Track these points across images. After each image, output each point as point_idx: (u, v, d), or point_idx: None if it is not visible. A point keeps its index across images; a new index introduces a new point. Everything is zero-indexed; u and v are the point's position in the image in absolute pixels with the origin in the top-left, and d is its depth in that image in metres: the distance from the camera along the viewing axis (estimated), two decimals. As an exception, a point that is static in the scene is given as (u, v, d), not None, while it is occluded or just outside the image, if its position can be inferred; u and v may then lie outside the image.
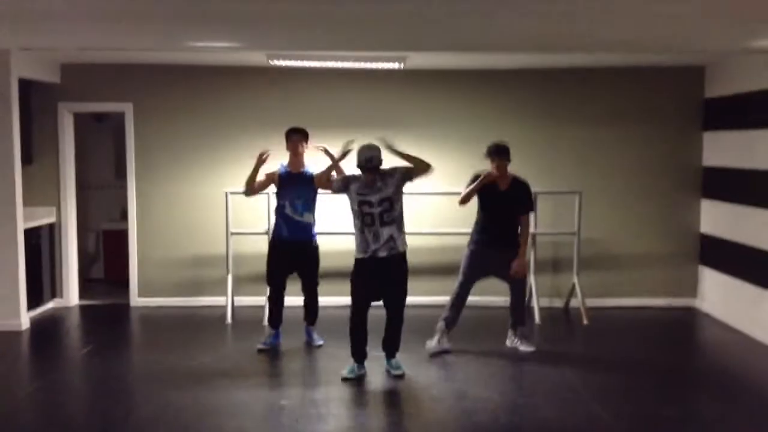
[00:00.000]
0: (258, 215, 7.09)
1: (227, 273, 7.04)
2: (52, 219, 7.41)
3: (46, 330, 6.72)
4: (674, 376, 5.47)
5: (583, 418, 4.62)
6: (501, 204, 5.78)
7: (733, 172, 6.88)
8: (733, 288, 6.83)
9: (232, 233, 6.99)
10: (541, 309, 7.01)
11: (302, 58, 6.59)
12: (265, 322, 6.26)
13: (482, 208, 5.88)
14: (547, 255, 7.46)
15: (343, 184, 5.26)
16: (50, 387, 5.18)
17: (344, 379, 5.13)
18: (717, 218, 7.22)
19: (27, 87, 7.01)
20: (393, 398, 4.93)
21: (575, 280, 7.12)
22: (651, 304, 7.51)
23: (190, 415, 4.64)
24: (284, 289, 5.94)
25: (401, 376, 5.19)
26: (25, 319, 6.63)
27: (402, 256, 5.19)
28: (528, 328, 6.13)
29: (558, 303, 7.46)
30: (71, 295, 7.59)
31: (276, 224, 5.92)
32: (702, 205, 7.50)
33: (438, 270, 7.16)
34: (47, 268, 7.38)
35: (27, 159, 7.05)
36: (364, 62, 6.74)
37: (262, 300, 6.95)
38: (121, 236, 7.82)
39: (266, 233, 6.94)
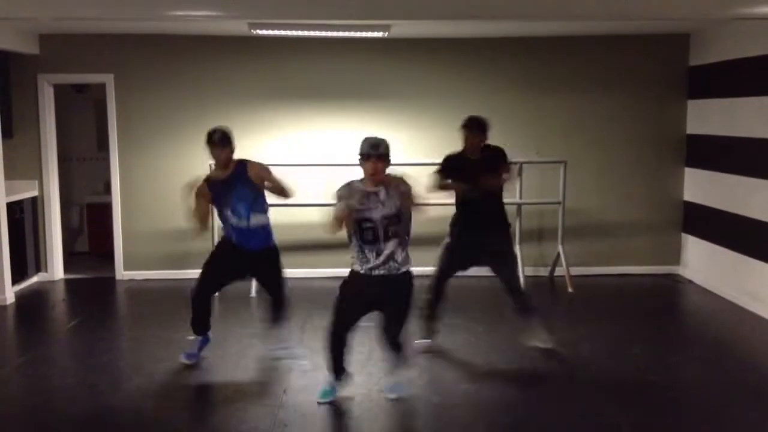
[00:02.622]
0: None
1: (212, 245, 7.01)
2: (34, 192, 7.34)
3: (32, 304, 6.70)
4: (658, 342, 5.55)
5: (567, 385, 4.68)
6: (473, 173, 5.10)
7: (717, 140, 6.91)
8: (716, 255, 6.90)
9: (217, 204, 6.93)
10: (526, 278, 7.05)
11: (284, 28, 6.51)
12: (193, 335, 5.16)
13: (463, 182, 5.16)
14: (533, 224, 7.49)
15: (337, 201, 4.20)
16: (36, 361, 5.18)
17: (321, 404, 4.37)
18: (700, 186, 7.27)
19: (5, 58, 6.91)
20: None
21: (560, 249, 7.16)
22: (635, 272, 7.58)
23: (177, 387, 4.66)
24: (212, 295, 5.11)
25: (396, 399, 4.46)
26: (9, 294, 6.60)
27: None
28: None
29: (543, 272, 7.51)
30: (56, 269, 7.56)
31: (226, 234, 5.02)
32: (686, 173, 7.54)
33: (423, 242, 7.17)
34: (31, 242, 7.33)
35: (7, 132, 6.95)
36: (348, 31, 6.66)
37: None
38: (105, 209, 7.76)
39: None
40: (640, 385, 4.65)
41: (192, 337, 5.09)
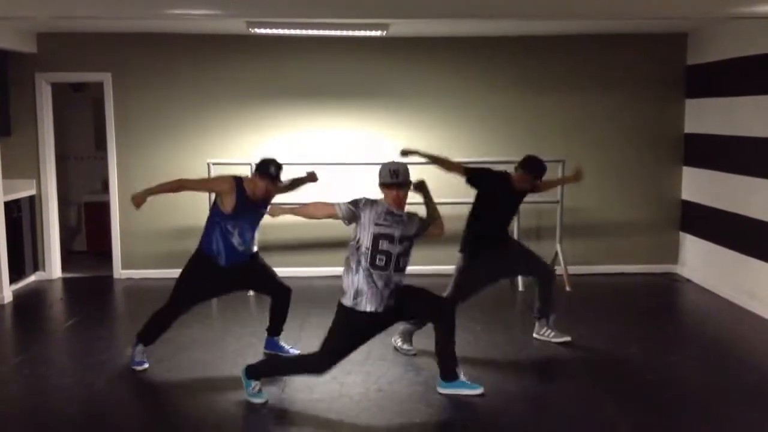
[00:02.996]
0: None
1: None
2: (32, 191, 7.33)
3: (29, 303, 6.70)
4: (656, 341, 5.55)
5: (565, 383, 4.69)
6: (514, 205, 5.39)
7: (715, 139, 6.92)
8: (714, 254, 6.91)
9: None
10: (524, 277, 7.06)
11: (283, 26, 6.50)
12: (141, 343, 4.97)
13: (492, 207, 5.19)
14: (531, 223, 7.49)
15: (353, 206, 4.12)
16: (34, 360, 5.17)
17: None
18: (698, 185, 7.27)
19: (3, 57, 6.90)
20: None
21: (558, 247, 7.16)
22: (633, 271, 7.58)
23: (174, 385, 4.66)
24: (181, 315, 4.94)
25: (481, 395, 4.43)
26: (7, 293, 6.59)
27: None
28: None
29: (541, 270, 7.51)
30: (54, 268, 7.55)
31: (211, 241, 4.74)
32: (683, 172, 7.55)
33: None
34: (29, 241, 7.32)
35: (5, 131, 6.96)
36: (346, 30, 6.66)
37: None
38: (103, 208, 7.76)
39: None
40: (638, 384, 4.65)
41: (137, 348, 4.91)
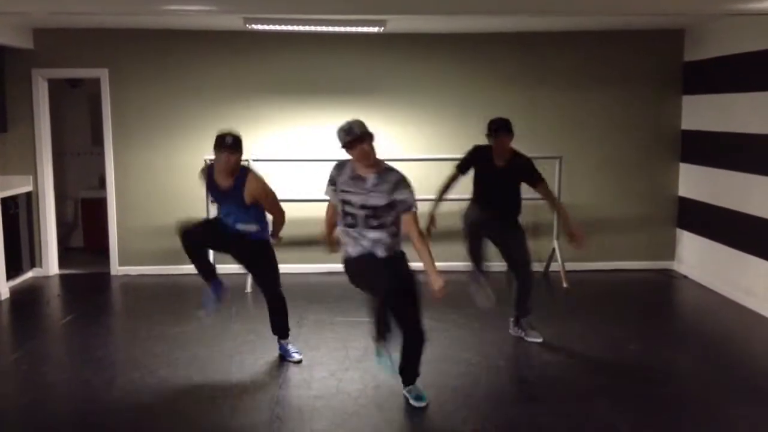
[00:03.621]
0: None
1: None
2: (29, 187, 7.32)
3: (26, 299, 6.69)
4: (652, 337, 5.56)
5: (562, 380, 4.70)
6: (498, 181, 5.20)
7: (712, 136, 6.93)
8: (711, 250, 6.92)
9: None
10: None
11: (280, 23, 6.49)
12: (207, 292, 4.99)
13: (477, 182, 5.32)
14: (528, 220, 7.42)
15: (331, 185, 4.24)
16: (31, 356, 5.17)
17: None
18: (695, 182, 7.28)
19: (-1, 53, 6.87)
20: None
21: (555, 244, 7.17)
22: (630, 267, 7.59)
23: (172, 382, 4.65)
24: (200, 244, 4.87)
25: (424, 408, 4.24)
26: (4, 289, 6.59)
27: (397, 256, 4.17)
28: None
29: (538, 267, 7.50)
30: (51, 264, 7.54)
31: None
32: (680, 169, 7.55)
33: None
34: (26, 237, 7.31)
35: (1, 127, 6.94)
36: (344, 26, 6.65)
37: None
38: (100, 204, 7.74)
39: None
40: (635, 381, 4.66)
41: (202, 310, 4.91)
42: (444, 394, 4.45)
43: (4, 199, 6.73)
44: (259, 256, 4.87)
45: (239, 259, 4.96)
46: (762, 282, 6.08)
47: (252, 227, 4.74)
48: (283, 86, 7.36)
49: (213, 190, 4.77)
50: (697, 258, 7.22)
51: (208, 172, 4.79)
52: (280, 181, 7.36)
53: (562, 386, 4.61)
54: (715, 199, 6.85)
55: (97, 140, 7.90)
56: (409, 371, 4.31)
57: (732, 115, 6.51)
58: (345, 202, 4.11)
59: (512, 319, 5.49)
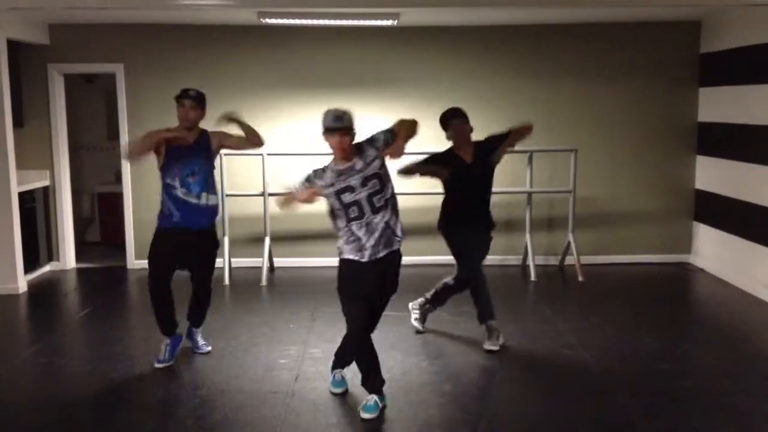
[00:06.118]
0: (253, 176, 7.08)
1: (224, 235, 7.04)
2: (45, 182, 7.38)
3: (44, 293, 6.75)
4: (669, 330, 5.53)
5: (578, 373, 4.68)
6: (471, 179, 4.93)
7: (729, 128, 6.86)
8: (728, 243, 6.87)
9: (227, 195, 6.96)
10: (536, 267, 7.06)
11: (293, 16, 6.49)
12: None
13: (450, 189, 5.01)
14: (543, 213, 7.47)
15: (307, 183, 4.05)
16: (48, 349, 5.21)
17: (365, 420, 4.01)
18: (712, 174, 7.22)
19: (15, 48, 6.91)
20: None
21: (570, 237, 7.14)
22: (646, 260, 7.55)
23: (188, 375, 4.68)
24: (169, 289, 4.77)
25: (383, 410, 4.08)
26: (22, 283, 6.64)
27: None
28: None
29: (553, 261, 7.50)
30: (68, 258, 7.60)
31: (163, 209, 4.63)
32: (697, 161, 7.50)
33: (425, 230, 7.18)
34: (43, 231, 7.37)
35: (18, 122, 6.98)
36: (357, 20, 6.64)
37: (258, 261, 7.00)
38: (116, 199, 7.79)
39: (261, 195, 6.94)
40: (651, 374, 4.64)
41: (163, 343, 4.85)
42: (460, 386, 4.45)
43: (22, 194, 6.78)
44: (213, 255, 4.83)
45: (190, 265, 4.79)
46: (780, 275, 6.03)
47: (215, 200, 4.69)
48: (297, 80, 7.37)
49: (174, 150, 4.56)
50: (714, 251, 7.17)
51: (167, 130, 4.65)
52: (294, 175, 7.38)
53: (578, 379, 4.60)
54: (732, 191, 6.79)
55: (113, 135, 7.95)
56: (377, 380, 4.11)
57: (749, 106, 6.45)
58: (343, 191, 3.91)
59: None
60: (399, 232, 4.02)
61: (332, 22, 6.79)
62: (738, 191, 6.69)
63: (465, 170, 4.91)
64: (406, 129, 4.16)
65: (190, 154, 4.60)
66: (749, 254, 6.47)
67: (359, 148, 4.01)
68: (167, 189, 4.59)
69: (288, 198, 4.10)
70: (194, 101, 4.59)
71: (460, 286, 5.08)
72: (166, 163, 4.59)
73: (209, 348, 5.03)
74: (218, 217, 4.85)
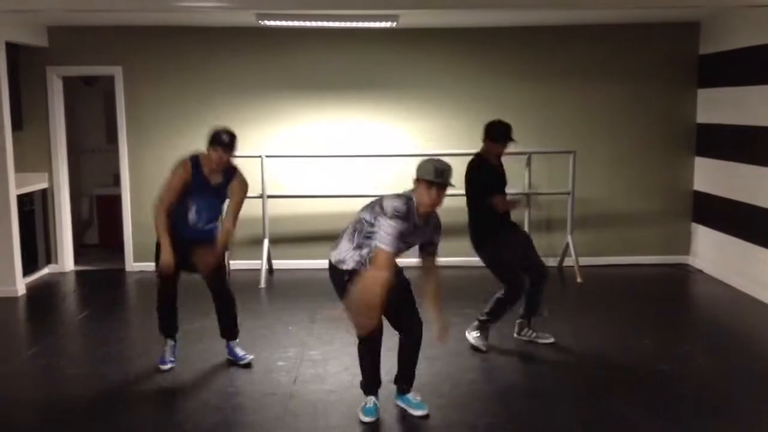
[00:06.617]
0: (253, 178, 7.06)
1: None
2: (44, 185, 7.37)
3: (42, 296, 6.74)
4: (668, 331, 5.53)
5: (576, 374, 4.68)
6: (503, 186, 5.05)
7: (727, 129, 6.87)
8: (726, 244, 6.87)
9: (191, 192, 6.90)
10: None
11: (292, 18, 6.50)
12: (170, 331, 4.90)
13: (489, 195, 4.92)
14: (542, 214, 7.47)
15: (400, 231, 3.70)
16: (47, 351, 5.21)
17: (365, 423, 3.99)
18: (710, 175, 7.23)
19: (14, 51, 6.91)
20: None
21: (569, 239, 7.14)
22: (644, 262, 7.55)
23: (187, 377, 4.68)
24: (175, 290, 4.79)
25: (425, 417, 4.06)
26: (20, 285, 6.64)
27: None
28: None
29: (552, 262, 7.49)
30: (66, 260, 7.59)
31: (173, 226, 4.62)
32: (696, 163, 7.50)
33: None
34: (41, 233, 7.36)
35: (17, 125, 6.98)
36: (356, 22, 6.65)
37: (257, 263, 7.00)
38: (115, 201, 7.79)
39: (260, 197, 6.94)
40: (650, 375, 4.64)
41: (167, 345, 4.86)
42: (458, 388, 4.45)
43: (20, 197, 6.78)
44: (221, 265, 4.79)
45: (202, 262, 4.72)
46: (779, 276, 6.03)
47: (215, 225, 4.75)
48: (295, 82, 7.37)
49: (199, 183, 4.61)
50: (713, 252, 7.17)
51: (194, 164, 4.64)
52: (293, 177, 7.39)
53: (577, 380, 4.59)
54: (731, 192, 6.79)
55: (112, 138, 7.95)
56: (406, 377, 4.17)
57: (748, 108, 6.45)
58: (403, 244, 3.76)
59: (524, 321, 5.25)
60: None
61: (331, 24, 6.79)
62: (737, 192, 6.69)
63: (498, 176, 5.01)
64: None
65: (211, 194, 4.67)
66: (748, 255, 6.47)
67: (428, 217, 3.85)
68: (182, 203, 4.60)
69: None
70: (229, 148, 4.56)
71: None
72: (188, 192, 4.60)
73: (250, 357, 4.84)
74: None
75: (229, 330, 4.90)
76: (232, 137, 4.59)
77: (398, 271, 3.99)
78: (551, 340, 5.20)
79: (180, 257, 4.60)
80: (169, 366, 4.78)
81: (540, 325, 5.27)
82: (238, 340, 4.92)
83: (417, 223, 3.76)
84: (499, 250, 4.95)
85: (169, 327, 4.86)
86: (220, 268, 4.82)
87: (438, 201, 3.72)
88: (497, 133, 4.94)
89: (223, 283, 4.84)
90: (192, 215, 4.63)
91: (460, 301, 5.75)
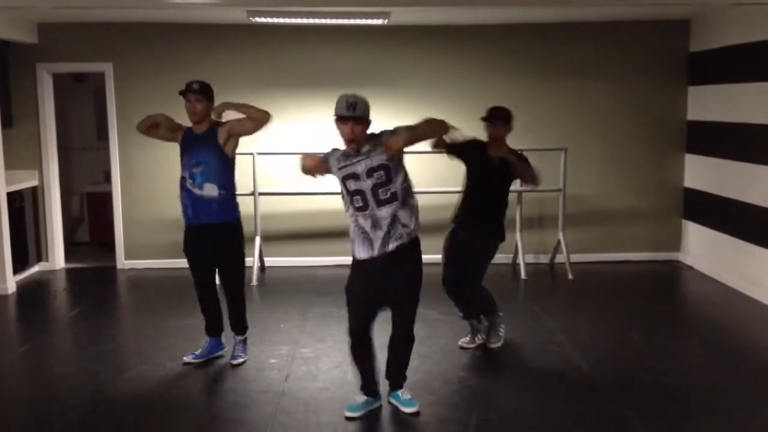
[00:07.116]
0: (243, 174, 7.05)
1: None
2: (34, 182, 7.34)
3: (33, 294, 6.72)
4: (659, 328, 5.55)
5: (567, 371, 4.70)
6: (491, 176, 4.85)
7: (718, 127, 6.90)
8: (717, 241, 6.90)
9: (182, 154, 6.89)
10: (526, 265, 7.07)
11: (283, 15, 6.48)
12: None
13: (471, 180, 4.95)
14: (533, 212, 7.49)
15: (323, 161, 3.94)
16: (38, 350, 5.19)
17: (349, 419, 4.00)
18: (701, 172, 7.26)
19: (4, 48, 6.88)
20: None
21: (560, 236, 7.16)
22: (635, 259, 7.58)
23: (178, 375, 4.67)
24: (212, 286, 4.82)
25: (416, 414, 4.05)
26: (11, 283, 6.61)
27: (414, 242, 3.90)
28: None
29: (543, 259, 7.52)
30: (57, 258, 7.56)
31: (182, 205, 4.65)
32: (686, 160, 7.53)
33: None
34: (32, 231, 7.33)
35: (7, 122, 6.95)
36: (348, 19, 6.64)
37: (249, 261, 6.96)
38: (105, 198, 7.76)
39: (252, 194, 6.93)
40: (641, 371, 4.66)
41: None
42: (449, 385, 4.46)
43: (10, 194, 6.75)
44: (233, 252, 4.72)
45: (217, 262, 4.77)
46: (768, 272, 6.07)
47: (215, 192, 4.54)
48: (287, 79, 7.36)
49: (189, 140, 4.59)
50: (703, 249, 7.20)
51: (186, 128, 4.69)
52: (285, 174, 7.38)
53: (567, 377, 4.61)
54: (721, 189, 6.82)
55: (102, 135, 7.92)
56: (397, 375, 4.18)
57: (738, 105, 6.48)
58: (348, 177, 3.79)
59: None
60: (411, 224, 3.84)
61: (322, 21, 6.78)
62: (727, 189, 6.72)
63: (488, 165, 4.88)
64: (430, 128, 4.09)
65: (197, 146, 4.57)
66: (738, 252, 6.51)
67: (375, 137, 3.84)
68: (182, 182, 4.62)
69: (306, 161, 4.00)
70: (199, 94, 4.53)
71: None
72: (180, 155, 4.62)
73: (242, 359, 4.80)
74: (238, 214, 4.73)
75: (233, 322, 4.87)
76: (204, 84, 4.58)
77: (412, 259, 3.91)
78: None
79: (200, 250, 4.64)
80: (190, 360, 4.81)
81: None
82: (245, 336, 4.90)
83: (348, 153, 3.82)
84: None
85: (206, 323, 4.89)
86: (232, 265, 4.76)
87: (353, 135, 3.73)
88: (487, 114, 4.91)
89: (231, 279, 4.79)
90: (188, 181, 4.55)
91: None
